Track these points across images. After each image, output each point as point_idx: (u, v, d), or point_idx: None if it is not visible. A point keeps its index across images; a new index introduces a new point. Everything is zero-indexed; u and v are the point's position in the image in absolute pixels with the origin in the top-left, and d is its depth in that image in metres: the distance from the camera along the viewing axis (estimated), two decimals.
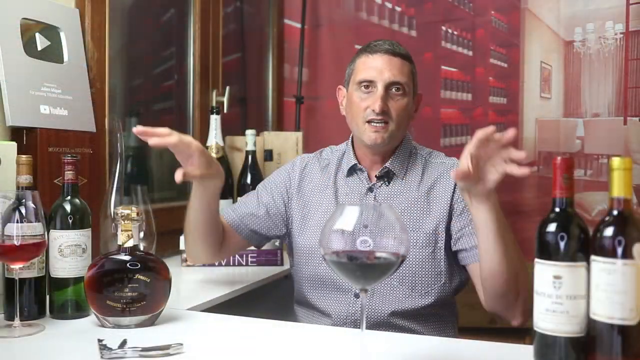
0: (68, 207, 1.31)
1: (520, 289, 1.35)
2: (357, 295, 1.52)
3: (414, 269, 1.49)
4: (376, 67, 1.51)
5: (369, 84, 1.52)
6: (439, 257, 1.50)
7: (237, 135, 2.32)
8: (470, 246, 1.46)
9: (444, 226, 1.50)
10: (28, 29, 1.64)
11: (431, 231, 1.49)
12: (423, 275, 1.49)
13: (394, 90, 1.51)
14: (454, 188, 1.51)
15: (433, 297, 1.49)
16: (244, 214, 1.63)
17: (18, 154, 1.35)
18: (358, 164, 1.59)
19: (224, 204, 1.87)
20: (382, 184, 1.57)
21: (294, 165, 1.69)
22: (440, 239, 1.50)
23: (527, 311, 1.38)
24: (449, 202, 1.51)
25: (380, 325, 1.46)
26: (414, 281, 1.49)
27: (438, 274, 1.50)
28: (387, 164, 1.56)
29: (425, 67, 2.77)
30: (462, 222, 1.49)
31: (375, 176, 1.57)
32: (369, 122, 1.51)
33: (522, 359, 1.06)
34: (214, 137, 2.10)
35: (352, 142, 1.64)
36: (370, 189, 1.57)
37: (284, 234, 1.66)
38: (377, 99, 1.49)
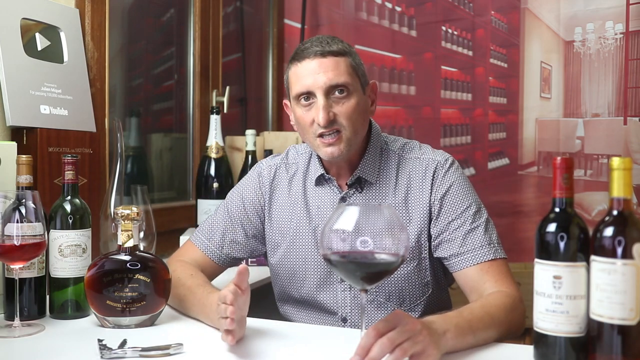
0: (68, 207, 1.31)
1: (507, 332, 1.23)
2: (344, 320, 1.44)
3: (400, 284, 1.41)
4: (308, 74, 1.34)
5: (307, 96, 1.36)
6: (424, 267, 1.41)
7: (237, 135, 2.32)
8: (450, 254, 1.36)
9: (426, 234, 1.40)
10: (28, 29, 1.64)
11: (414, 243, 1.39)
12: (410, 289, 1.41)
13: (336, 93, 1.35)
14: (431, 188, 1.40)
15: (423, 307, 1.43)
16: (223, 242, 1.50)
17: (18, 154, 1.35)
18: (326, 174, 1.46)
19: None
20: (354, 192, 1.44)
21: (261, 178, 1.53)
22: (424, 249, 1.40)
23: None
24: (427, 205, 1.39)
25: None
26: (401, 296, 1.41)
27: (425, 285, 1.42)
28: (357, 172, 1.42)
29: (425, 67, 2.77)
30: (440, 227, 1.38)
31: (347, 184, 1.45)
32: (320, 135, 1.36)
33: (522, 359, 1.06)
34: (214, 137, 2.10)
35: None
36: (343, 199, 1.44)
37: (265, 252, 1.56)
38: (319, 109, 1.33)
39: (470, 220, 1.36)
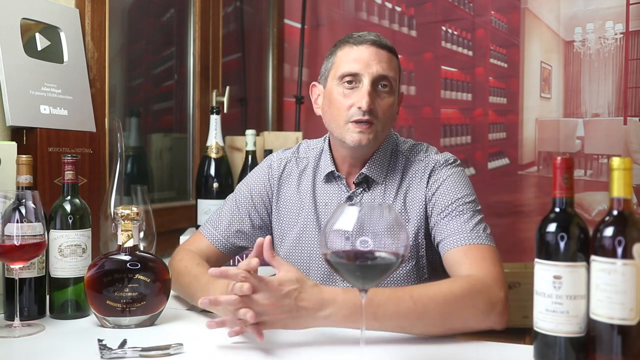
0: (68, 207, 1.31)
1: (456, 320, 1.17)
2: None
3: (398, 283, 1.41)
4: (362, 58, 1.36)
5: (352, 79, 1.36)
6: (422, 266, 1.42)
7: (237, 135, 2.32)
8: (438, 241, 1.35)
9: (423, 232, 1.41)
10: (28, 29, 1.64)
11: (412, 242, 1.40)
12: None
13: (380, 86, 1.37)
14: (427, 185, 1.41)
15: None
16: (229, 232, 1.52)
17: (18, 154, 1.35)
18: (336, 171, 1.46)
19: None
20: (361, 191, 1.45)
21: (271, 170, 1.55)
22: (422, 247, 1.41)
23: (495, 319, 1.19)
24: (423, 203, 1.41)
25: None
26: None
27: (423, 283, 1.40)
28: (364, 170, 1.43)
29: (425, 67, 2.77)
30: (434, 219, 1.38)
31: (354, 183, 1.46)
32: (354, 121, 1.36)
33: (522, 359, 1.06)
34: (214, 137, 2.10)
35: (330, 141, 1.51)
36: (350, 198, 1.45)
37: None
38: (364, 94, 1.34)
39: (459, 210, 1.35)
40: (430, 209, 1.40)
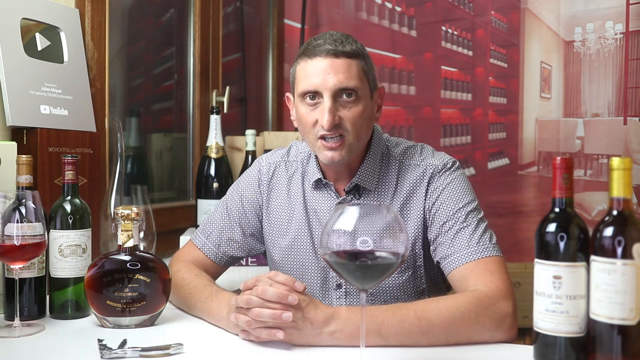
0: (68, 207, 1.31)
1: (461, 334, 1.15)
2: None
3: (396, 293, 1.39)
4: (318, 73, 1.29)
5: (314, 95, 1.31)
6: (419, 276, 1.39)
7: (237, 135, 2.33)
8: (440, 257, 1.32)
9: (421, 242, 1.37)
10: (28, 29, 1.64)
11: (409, 252, 1.28)
12: (406, 298, 1.39)
13: (344, 97, 1.30)
14: (425, 195, 1.36)
15: None
16: (220, 240, 1.49)
17: (18, 154, 1.35)
18: (323, 179, 1.42)
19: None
20: (352, 199, 1.40)
21: (260, 175, 1.52)
22: (419, 257, 1.38)
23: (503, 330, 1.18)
24: (421, 212, 1.36)
25: None
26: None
27: (420, 292, 1.40)
28: (355, 179, 1.38)
29: (425, 67, 2.77)
30: (435, 231, 1.34)
31: (345, 190, 1.41)
32: (322, 138, 1.31)
33: (522, 359, 1.06)
34: (214, 137, 2.10)
35: None
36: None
37: (264, 251, 1.55)
38: (324, 112, 1.28)
39: (461, 221, 1.31)
40: (431, 219, 1.35)
